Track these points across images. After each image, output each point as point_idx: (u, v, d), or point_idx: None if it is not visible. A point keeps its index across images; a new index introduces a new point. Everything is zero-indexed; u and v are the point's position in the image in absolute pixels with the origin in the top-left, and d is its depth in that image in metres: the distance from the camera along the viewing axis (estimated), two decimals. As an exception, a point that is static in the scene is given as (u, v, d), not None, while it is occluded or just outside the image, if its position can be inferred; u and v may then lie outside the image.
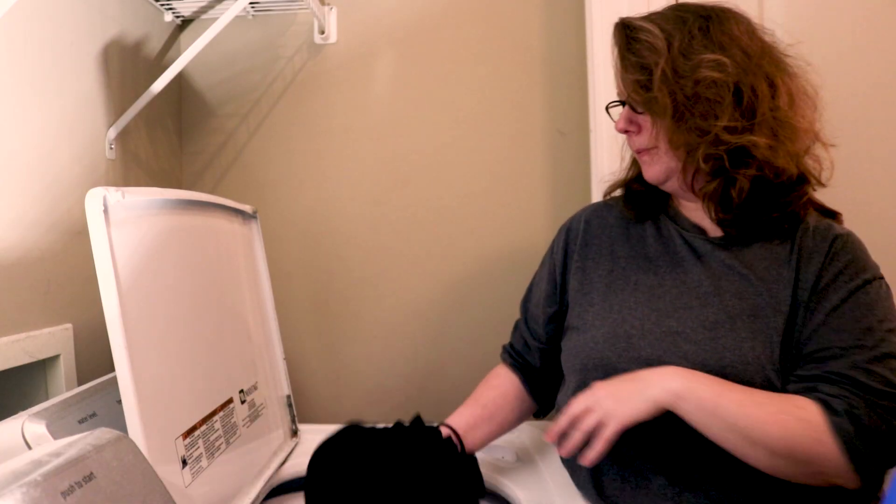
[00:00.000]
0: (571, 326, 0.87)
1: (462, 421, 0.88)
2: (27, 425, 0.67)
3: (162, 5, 1.29)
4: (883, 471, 0.67)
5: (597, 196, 1.18)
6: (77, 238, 1.01)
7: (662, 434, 0.73)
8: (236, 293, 1.00)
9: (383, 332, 1.34)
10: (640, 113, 0.80)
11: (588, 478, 0.80)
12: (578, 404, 0.72)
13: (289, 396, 1.10)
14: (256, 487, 0.88)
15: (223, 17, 1.07)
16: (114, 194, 0.67)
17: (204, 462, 0.77)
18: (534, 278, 0.99)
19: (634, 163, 0.90)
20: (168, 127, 1.33)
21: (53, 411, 0.72)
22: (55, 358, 0.95)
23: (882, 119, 1.12)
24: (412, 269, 1.33)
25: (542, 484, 0.91)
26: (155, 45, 1.29)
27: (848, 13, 1.12)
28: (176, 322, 0.78)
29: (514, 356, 0.98)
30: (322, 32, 1.34)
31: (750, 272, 0.76)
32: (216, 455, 0.80)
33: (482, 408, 0.91)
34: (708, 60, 0.74)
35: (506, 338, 1.01)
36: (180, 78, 1.36)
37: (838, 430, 0.63)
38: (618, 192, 0.94)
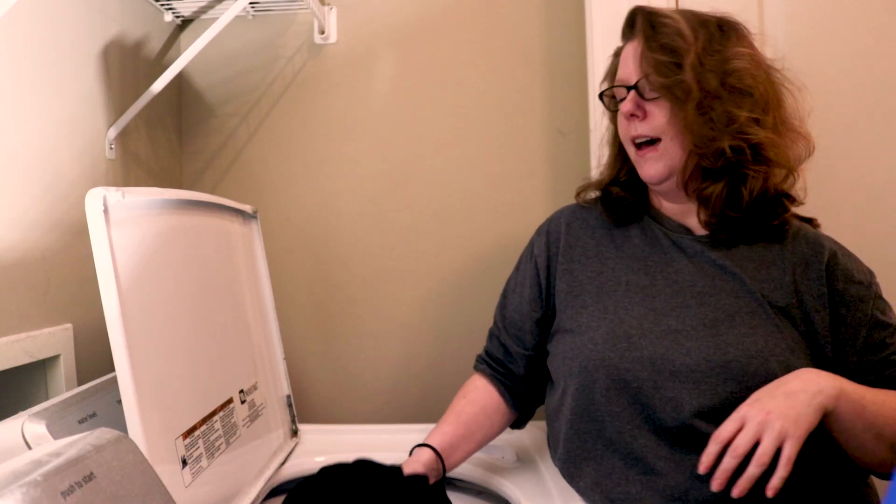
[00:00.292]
0: (563, 329, 0.86)
1: (445, 441, 0.87)
2: (27, 425, 0.67)
3: (162, 5, 1.29)
4: None
5: (597, 196, 1.18)
6: (77, 238, 1.01)
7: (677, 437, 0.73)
8: (236, 293, 1.00)
9: (383, 332, 1.34)
10: (652, 99, 0.79)
11: (594, 479, 0.79)
12: (739, 434, 0.66)
13: (289, 396, 1.10)
14: (256, 487, 0.88)
15: (223, 17, 1.07)
16: (114, 194, 0.67)
17: (204, 462, 0.77)
18: (508, 284, 0.98)
19: (614, 163, 0.91)
20: (168, 127, 1.33)
21: (53, 411, 0.72)
22: (55, 358, 0.95)
23: (882, 119, 1.12)
24: (412, 269, 1.33)
25: (542, 484, 0.91)
26: (155, 45, 1.29)
27: (848, 14, 1.12)
28: (176, 322, 0.78)
29: (494, 365, 0.96)
30: (322, 32, 1.34)
31: (742, 272, 0.78)
32: (216, 455, 0.80)
33: (464, 426, 0.90)
34: (741, 52, 0.78)
35: (506, 338, 1.01)
36: (180, 78, 1.36)
37: None
38: (592, 195, 0.94)
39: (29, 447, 0.66)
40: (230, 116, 1.37)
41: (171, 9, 1.30)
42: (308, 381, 1.35)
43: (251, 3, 1.29)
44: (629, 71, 0.82)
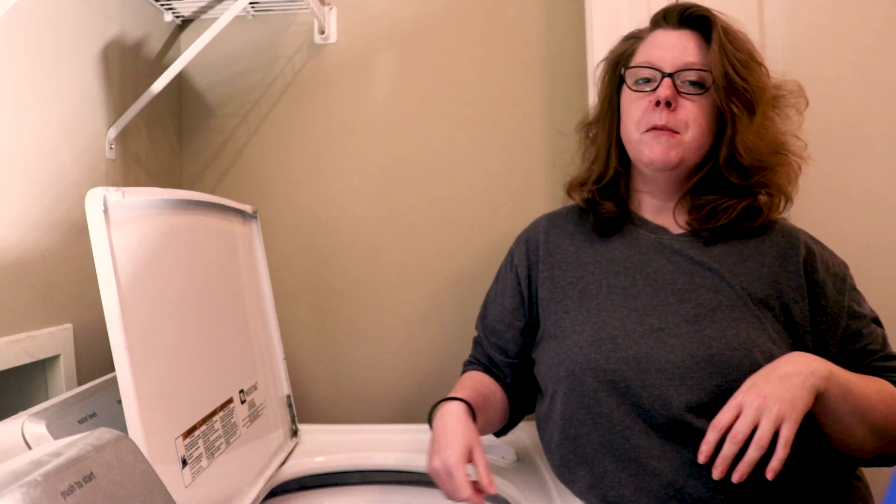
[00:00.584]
0: (548, 335, 0.87)
1: (470, 399, 0.85)
2: (27, 425, 0.67)
3: (162, 5, 1.29)
4: None
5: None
6: (77, 238, 1.01)
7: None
8: (236, 293, 1.00)
9: (383, 332, 1.34)
10: (691, 94, 0.81)
11: (589, 482, 0.79)
12: (738, 420, 0.66)
13: (289, 396, 1.10)
14: (256, 487, 0.88)
15: (223, 17, 1.07)
16: (114, 194, 0.67)
17: (204, 462, 0.77)
18: (489, 295, 0.99)
19: (605, 158, 0.90)
20: (168, 127, 1.33)
21: (53, 411, 0.72)
22: (55, 358, 0.95)
23: (883, 119, 1.12)
24: (412, 269, 1.33)
25: (542, 484, 0.91)
26: (155, 45, 1.29)
27: (848, 14, 1.12)
28: (176, 322, 0.78)
29: (484, 365, 0.97)
30: (322, 32, 1.34)
31: (720, 267, 0.80)
32: (216, 455, 0.80)
33: (482, 397, 0.88)
34: (788, 81, 0.87)
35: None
36: (180, 78, 1.36)
37: None
38: (578, 196, 0.95)
39: (29, 447, 0.66)
40: (230, 116, 1.37)
41: (171, 9, 1.30)
42: (308, 381, 1.35)
43: (251, 3, 1.29)
44: (675, 60, 0.81)
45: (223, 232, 0.99)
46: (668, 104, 0.79)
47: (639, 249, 0.85)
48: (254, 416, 0.95)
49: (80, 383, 0.97)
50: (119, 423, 0.64)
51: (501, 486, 0.93)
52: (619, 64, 0.89)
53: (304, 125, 1.35)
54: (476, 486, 0.73)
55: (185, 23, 1.37)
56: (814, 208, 1.13)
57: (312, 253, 1.35)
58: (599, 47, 1.18)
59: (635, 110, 0.83)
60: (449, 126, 1.32)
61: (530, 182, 1.29)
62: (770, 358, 0.72)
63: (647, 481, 0.74)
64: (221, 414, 0.84)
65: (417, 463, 1.04)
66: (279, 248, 1.34)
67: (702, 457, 0.68)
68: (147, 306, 0.71)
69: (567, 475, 0.82)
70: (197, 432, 0.77)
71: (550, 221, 0.96)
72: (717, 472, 0.67)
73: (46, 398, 0.93)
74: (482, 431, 0.86)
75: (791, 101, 0.88)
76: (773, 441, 0.65)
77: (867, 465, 0.77)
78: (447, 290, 1.32)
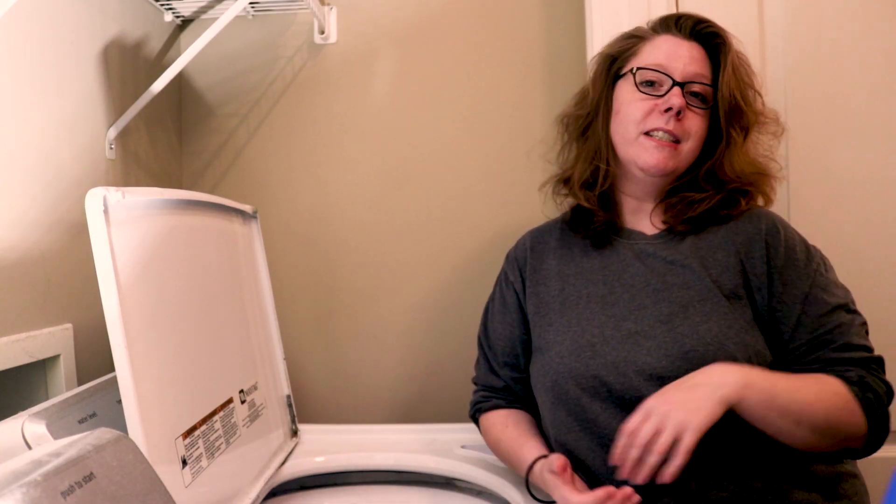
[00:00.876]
0: (535, 349, 0.89)
1: (539, 450, 0.85)
2: (27, 425, 0.67)
3: (162, 5, 1.29)
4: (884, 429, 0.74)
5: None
6: (77, 238, 1.01)
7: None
8: (236, 293, 1.00)
9: (383, 332, 1.34)
10: (700, 109, 0.83)
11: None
12: (642, 426, 0.68)
13: (289, 396, 1.10)
14: (256, 487, 0.88)
15: (223, 17, 1.07)
16: (114, 194, 0.67)
17: (204, 462, 0.77)
18: (489, 315, 0.98)
19: (592, 158, 0.90)
20: (168, 127, 1.33)
21: (53, 411, 0.72)
22: (55, 358, 0.95)
23: (883, 119, 1.12)
24: (412, 269, 1.33)
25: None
26: (155, 45, 1.29)
27: (848, 13, 1.12)
28: (176, 322, 0.78)
29: (503, 396, 0.95)
30: (322, 32, 1.34)
31: (691, 262, 0.81)
32: (216, 455, 0.80)
33: (540, 439, 0.87)
34: (769, 110, 0.90)
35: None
36: (180, 78, 1.36)
37: (861, 398, 0.71)
38: (556, 200, 0.97)
39: (29, 447, 0.66)
40: (230, 116, 1.37)
41: (171, 9, 1.30)
42: (308, 381, 1.35)
43: (251, 3, 1.29)
44: (685, 70, 0.82)
45: (223, 232, 0.99)
46: (678, 113, 0.81)
47: (616, 257, 0.87)
48: (254, 416, 0.95)
49: (80, 383, 0.97)
50: (119, 423, 0.64)
51: (502, 486, 0.93)
52: (616, 60, 0.89)
53: (304, 125, 1.35)
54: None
55: (185, 23, 1.37)
56: (813, 207, 1.13)
57: (312, 253, 1.35)
58: (599, 47, 1.17)
59: (637, 110, 0.84)
60: (449, 126, 1.32)
61: (530, 182, 1.29)
62: (745, 348, 0.74)
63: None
64: (221, 414, 0.84)
65: (417, 463, 1.04)
66: (279, 248, 1.34)
67: (613, 459, 0.70)
68: (147, 306, 0.71)
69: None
70: (197, 432, 0.77)
71: (534, 238, 0.97)
72: (621, 474, 0.69)
73: (46, 398, 0.93)
74: None
75: (770, 129, 0.90)
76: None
77: (833, 459, 0.77)
78: (447, 290, 1.32)
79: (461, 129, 1.32)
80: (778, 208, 1.13)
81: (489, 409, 0.95)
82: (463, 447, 1.04)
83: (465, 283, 1.30)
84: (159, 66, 1.29)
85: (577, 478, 0.76)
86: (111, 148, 1.11)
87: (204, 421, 0.79)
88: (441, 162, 1.32)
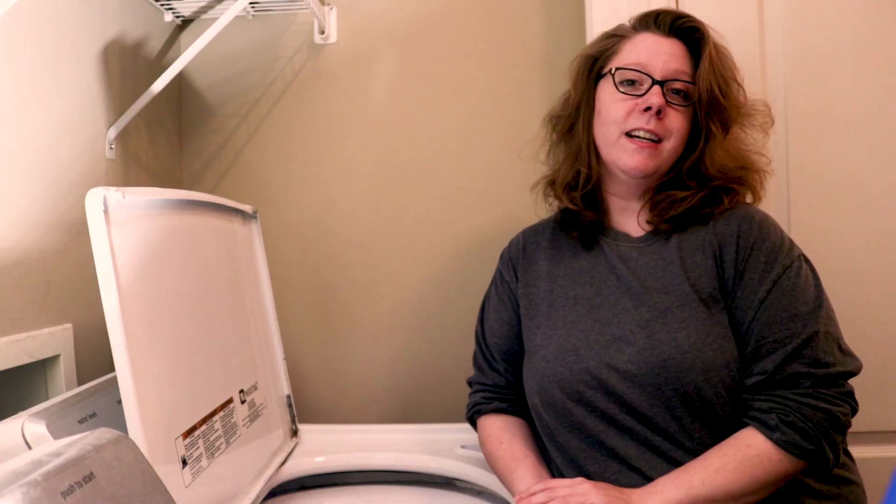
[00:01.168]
0: (526, 351, 0.89)
1: (534, 464, 0.85)
2: (27, 425, 0.67)
3: (162, 5, 1.29)
4: (845, 432, 0.74)
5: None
6: (77, 238, 1.01)
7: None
8: (236, 293, 1.00)
9: (383, 332, 1.34)
10: (678, 104, 0.81)
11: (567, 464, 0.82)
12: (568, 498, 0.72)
13: (289, 396, 1.10)
14: (256, 487, 0.88)
15: (223, 17, 1.07)
16: (114, 194, 0.67)
17: (204, 462, 0.77)
18: (486, 313, 0.97)
19: (575, 160, 0.90)
20: (168, 127, 1.33)
21: (53, 411, 0.72)
22: (55, 358, 0.95)
23: (883, 119, 1.12)
24: (413, 268, 1.33)
25: (542, 484, 0.91)
26: (155, 45, 1.29)
27: (848, 13, 1.12)
28: (176, 322, 0.78)
29: (506, 396, 0.93)
30: (322, 32, 1.34)
31: (672, 265, 0.81)
32: (216, 455, 0.80)
33: (538, 460, 0.87)
34: (758, 100, 0.88)
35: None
36: (180, 78, 1.36)
37: (782, 445, 0.71)
38: (548, 201, 0.96)
39: (29, 447, 0.66)
40: (230, 116, 1.37)
41: (171, 9, 1.30)
42: (308, 381, 1.35)
43: (251, 3, 1.29)
44: (665, 68, 0.81)
45: (223, 232, 0.99)
46: (658, 112, 0.80)
47: (604, 258, 0.86)
48: (254, 416, 0.95)
49: (80, 383, 0.97)
50: (119, 423, 0.64)
51: (502, 487, 0.93)
52: (597, 60, 0.88)
53: (304, 125, 1.35)
54: None
55: (185, 23, 1.37)
56: (813, 208, 1.13)
57: (312, 253, 1.35)
58: (599, 47, 1.18)
59: (618, 110, 0.83)
60: (449, 126, 1.32)
61: (530, 181, 1.29)
62: (723, 353, 0.74)
63: (628, 480, 0.76)
64: (221, 414, 0.84)
65: (417, 463, 1.04)
66: (279, 248, 1.34)
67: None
68: (147, 306, 0.71)
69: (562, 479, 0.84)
70: (197, 432, 0.77)
71: (527, 238, 0.97)
72: None
73: (46, 398, 0.93)
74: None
75: (759, 121, 0.89)
76: None
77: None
78: (448, 290, 1.32)
79: (461, 128, 1.32)
80: (778, 209, 1.13)
81: (489, 412, 0.93)
82: (463, 447, 1.04)
83: (467, 284, 1.30)
84: (159, 66, 1.29)
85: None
86: (111, 148, 1.11)
87: (204, 421, 0.79)
88: (441, 161, 1.32)
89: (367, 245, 1.34)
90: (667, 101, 0.81)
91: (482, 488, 1.00)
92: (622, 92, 0.83)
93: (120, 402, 0.65)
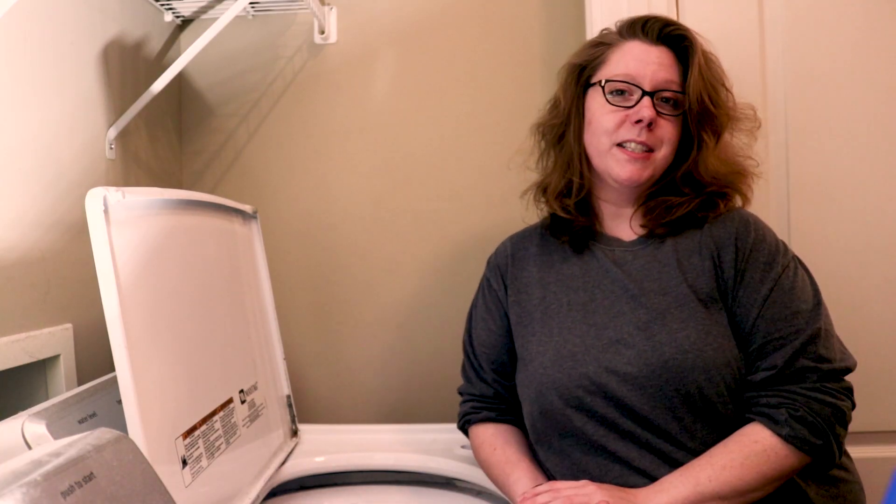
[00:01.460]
0: (520, 359, 0.88)
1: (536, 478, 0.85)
2: (27, 425, 0.67)
3: (162, 5, 1.29)
4: (847, 427, 0.75)
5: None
6: (77, 238, 1.01)
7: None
8: (236, 293, 1.00)
9: (383, 332, 1.34)
10: (668, 114, 0.81)
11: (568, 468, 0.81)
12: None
13: (289, 396, 1.10)
14: (256, 487, 0.88)
15: (223, 17, 1.07)
16: (114, 194, 0.67)
17: (204, 462, 0.77)
18: (473, 322, 0.96)
19: (566, 169, 0.89)
20: (168, 127, 1.33)
21: (53, 411, 0.72)
22: (55, 358, 0.95)
23: (882, 118, 1.12)
24: (412, 269, 1.33)
25: (542, 484, 0.91)
26: (155, 45, 1.29)
27: (848, 14, 1.12)
28: (176, 322, 0.78)
29: (494, 405, 0.93)
30: (322, 32, 1.34)
31: (669, 267, 0.81)
32: (216, 455, 0.80)
33: (534, 463, 0.87)
34: (745, 104, 0.88)
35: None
36: (180, 78, 1.36)
37: (790, 440, 0.71)
38: (539, 208, 0.96)
39: (29, 447, 0.66)
40: (230, 116, 1.37)
41: (171, 9, 1.30)
42: (308, 381, 1.35)
43: (251, 3, 1.29)
44: (654, 78, 0.81)
45: (223, 232, 0.99)
46: (649, 124, 0.80)
47: (596, 263, 0.86)
48: (254, 416, 0.95)
49: (80, 383, 0.97)
50: (119, 423, 0.64)
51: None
52: (584, 69, 0.88)
53: (304, 125, 1.35)
54: None
55: (185, 23, 1.37)
56: (812, 210, 1.13)
57: (312, 253, 1.35)
58: (599, 47, 1.18)
59: (609, 121, 0.82)
60: (449, 126, 1.32)
61: (530, 180, 1.29)
62: (723, 353, 0.75)
63: (633, 481, 0.76)
64: (221, 414, 0.84)
65: (417, 463, 1.04)
66: (279, 248, 1.34)
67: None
68: (147, 306, 0.71)
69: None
70: (197, 432, 0.77)
71: (514, 244, 0.96)
72: None
73: (46, 398, 0.93)
74: None
75: (746, 126, 0.89)
76: None
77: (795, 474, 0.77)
78: (449, 291, 1.32)
79: (461, 128, 1.32)
80: (778, 210, 1.13)
81: (479, 422, 0.93)
82: (463, 447, 1.04)
83: (468, 284, 1.29)
84: (159, 66, 1.29)
85: None
86: (111, 148, 1.11)
87: (204, 421, 0.79)
88: (442, 161, 1.32)
89: (367, 245, 1.34)
90: (657, 111, 0.81)
91: (482, 488, 1.00)
92: (612, 104, 0.82)
93: (120, 402, 0.65)
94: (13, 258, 0.89)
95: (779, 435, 0.71)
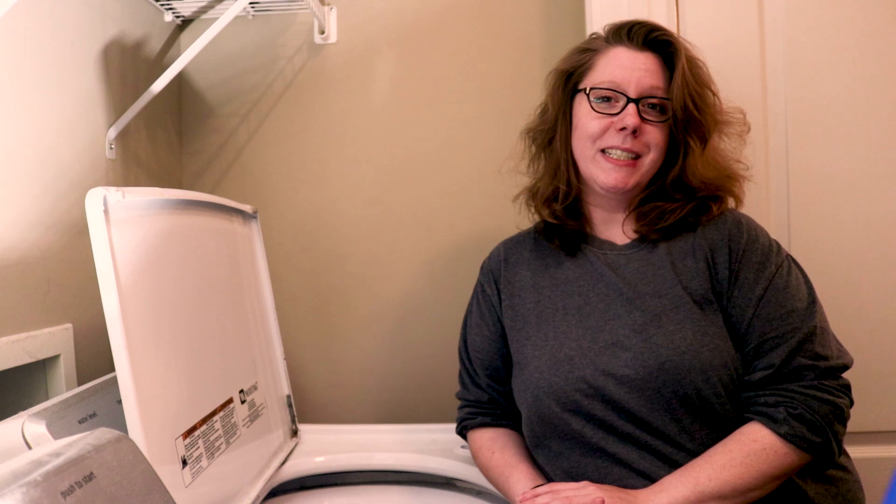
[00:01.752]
0: (515, 363, 0.88)
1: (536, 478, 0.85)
2: (27, 425, 0.67)
3: (162, 5, 1.29)
4: (846, 424, 0.75)
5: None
6: (77, 238, 1.01)
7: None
8: (236, 293, 1.00)
9: (383, 332, 1.34)
10: (654, 120, 0.81)
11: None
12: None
13: (289, 396, 1.10)
14: (256, 487, 0.88)
15: (223, 17, 1.07)
16: (114, 194, 0.67)
17: (204, 462, 0.77)
18: (468, 327, 0.96)
19: (555, 175, 0.89)
20: (168, 127, 1.33)
21: (53, 411, 0.72)
22: (55, 358, 0.95)
23: (882, 119, 1.12)
24: (412, 269, 1.33)
25: (542, 484, 0.91)
26: (155, 45, 1.29)
27: (848, 15, 1.12)
28: (176, 322, 0.78)
29: (489, 411, 0.93)
30: (322, 32, 1.34)
31: (663, 270, 0.81)
32: (216, 455, 0.80)
33: (532, 465, 0.87)
34: (734, 108, 0.88)
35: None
36: (180, 78, 1.36)
37: (789, 438, 0.71)
38: (531, 212, 0.96)
39: (29, 447, 0.66)
40: (230, 116, 1.37)
41: (171, 9, 1.30)
42: (308, 381, 1.35)
43: (251, 3, 1.29)
44: (639, 84, 0.81)
45: (223, 232, 0.99)
46: (634, 131, 0.80)
47: (590, 266, 0.86)
48: (254, 416, 0.95)
49: (80, 383, 0.97)
50: (119, 423, 0.64)
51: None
52: (571, 76, 0.88)
53: (304, 125, 1.36)
54: None
55: (185, 23, 1.37)
56: (811, 211, 1.13)
57: (312, 253, 1.35)
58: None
59: (594, 127, 0.83)
60: (448, 126, 1.32)
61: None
62: (720, 353, 0.75)
63: (633, 483, 0.76)
64: (221, 414, 0.85)
65: (417, 463, 1.04)
66: (279, 248, 1.34)
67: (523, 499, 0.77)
68: (147, 306, 0.71)
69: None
70: (197, 432, 0.77)
71: (508, 249, 0.96)
72: None
73: (46, 398, 0.93)
74: None
75: (736, 129, 0.89)
76: None
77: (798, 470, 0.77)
78: (450, 291, 1.32)
79: (461, 128, 1.32)
80: (778, 210, 1.13)
81: (476, 427, 0.94)
82: (462, 447, 1.04)
83: (468, 283, 1.29)
84: (159, 66, 1.29)
85: None
86: (111, 148, 1.11)
87: (204, 421, 0.79)
88: (442, 161, 1.32)
89: (367, 244, 1.34)
90: (642, 118, 0.81)
91: (482, 488, 1.00)
92: (597, 111, 0.83)
93: (120, 402, 0.65)
94: (13, 258, 0.89)
95: (778, 433, 0.71)
